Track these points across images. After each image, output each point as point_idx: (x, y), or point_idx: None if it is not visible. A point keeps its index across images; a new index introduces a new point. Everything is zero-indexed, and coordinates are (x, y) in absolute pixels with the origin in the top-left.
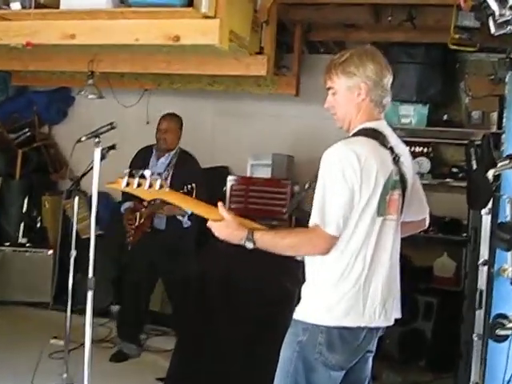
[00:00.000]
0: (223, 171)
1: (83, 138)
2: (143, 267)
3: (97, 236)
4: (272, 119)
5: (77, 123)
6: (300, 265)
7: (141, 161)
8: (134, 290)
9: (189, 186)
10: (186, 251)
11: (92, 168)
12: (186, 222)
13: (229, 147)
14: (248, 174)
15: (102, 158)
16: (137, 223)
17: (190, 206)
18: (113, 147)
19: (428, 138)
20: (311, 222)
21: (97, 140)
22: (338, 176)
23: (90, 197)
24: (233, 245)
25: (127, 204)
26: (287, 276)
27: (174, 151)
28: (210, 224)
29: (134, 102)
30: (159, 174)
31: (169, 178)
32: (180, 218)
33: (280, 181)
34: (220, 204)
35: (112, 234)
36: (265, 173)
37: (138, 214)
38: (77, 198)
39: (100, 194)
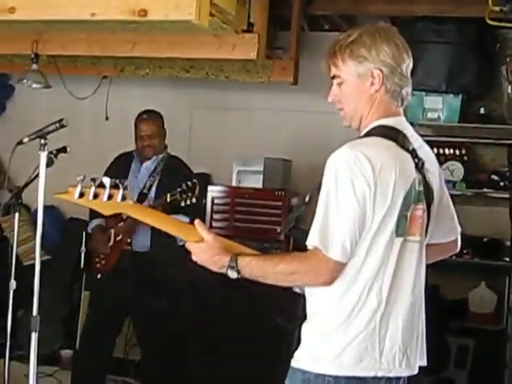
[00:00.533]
0: (202, 180)
1: (25, 139)
2: (114, 302)
3: (43, 262)
4: (264, 114)
5: (17, 120)
6: (299, 298)
7: (119, 169)
8: (98, 331)
9: (188, 183)
10: (174, 282)
11: (37, 176)
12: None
13: (209, 149)
14: (234, 184)
15: (50, 163)
16: (111, 242)
17: (161, 223)
18: (63, 150)
19: (461, 137)
20: (309, 244)
21: (42, 141)
22: (346, 187)
23: (35, 212)
24: (215, 273)
25: (96, 221)
26: (283, 312)
27: (162, 155)
28: (188, 245)
29: (90, 93)
30: (123, 186)
31: (154, 186)
32: None
33: (274, 192)
34: (197, 222)
35: (62, 260)
36: (255, 182)
37: (112, 232)
38: (17, 215)
39: (47, 208)
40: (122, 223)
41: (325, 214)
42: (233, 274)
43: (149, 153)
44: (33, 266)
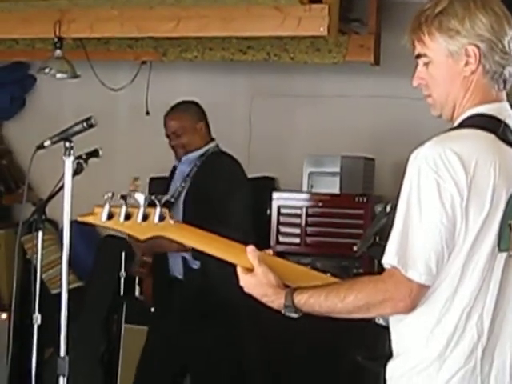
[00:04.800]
0: (266, 185)
1: (47, 143)
2: (164, 347)
3: (74, 290)
4: (339, 102)
5: (39, 117)
6: (383, 331)
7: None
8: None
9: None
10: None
11: (62, 187)
12: (194, 262)
13: (273, 147)
14: (305, 188)
15: (78, 170)
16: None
17: (210, 246)
18: (94, 154)
19: None
20: (386, 263)
21: (67, 145)
22: (431, 191)
23: (62, 230)
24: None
25: None
26: (364, 348)
27: (202, 151)
28: (238, 273)
29: (127, 82)
30: (160, 202)
31: (183, 194)
32: (184, 254)
33: (354, 198)
34: (250, 248)
35: (98, 287)
36: (330, 186)
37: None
38: (41, 233)
39: (77, 225)
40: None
41: (404, 225)
42: (292, 315)
43: (179, 154)
44: (61, 294)
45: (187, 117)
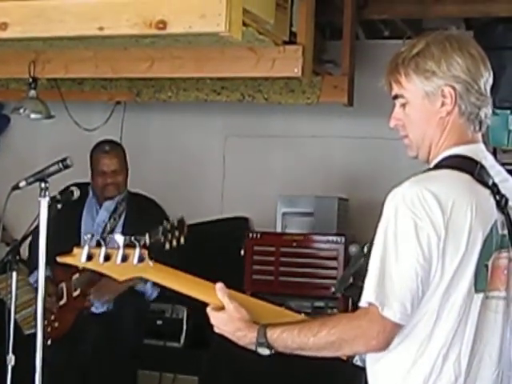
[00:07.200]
0: (239, 225)
1: (22, 183)
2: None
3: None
4: (313, 142)
5: (13, 157)
6: (360, 372)
7: (72, 209)
8: None
9: (173, 220)
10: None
11: (37, 228)
12: (152, 293)
13: (247, 187)
14: (278, 229)
15: (53, 211)
16: (64, 300)
17: (189, 288)
18: (69, 194)
19: None
20: (363, 301)
21: (43, 185)
22: (407, 231)
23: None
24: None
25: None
26: None
27: (123, 194)
28: (208, 313)
29: (101, 123)
30: (140, 244)
31: (118, 228)
32: (140, 287)
33: (328, 238)
34: (219, 286)
35: None
36: (304, 226)
37: (63, 286)
38: (15, 274)
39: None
40: (77, 275)
41: (381, 264)
42: (264, 351)
43: (112, 192)
44: (35, 335)
45: (123, 156)
